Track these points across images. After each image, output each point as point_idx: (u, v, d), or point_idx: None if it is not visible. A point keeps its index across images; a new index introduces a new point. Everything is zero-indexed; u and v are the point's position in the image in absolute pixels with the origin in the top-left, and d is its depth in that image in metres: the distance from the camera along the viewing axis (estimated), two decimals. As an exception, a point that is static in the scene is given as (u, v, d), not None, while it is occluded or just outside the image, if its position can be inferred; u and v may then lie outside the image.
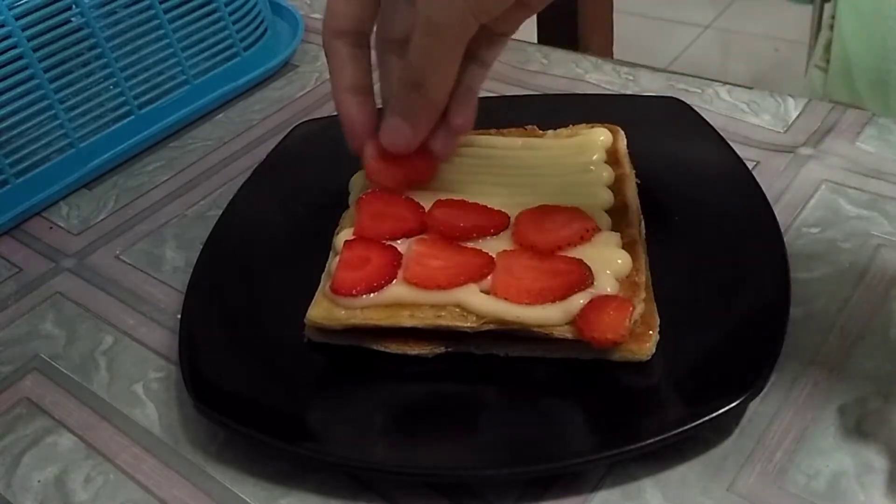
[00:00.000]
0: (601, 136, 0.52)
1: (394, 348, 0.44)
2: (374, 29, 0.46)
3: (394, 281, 0.43)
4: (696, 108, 0.57)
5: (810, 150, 0.56)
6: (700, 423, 0.38)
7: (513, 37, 0.69)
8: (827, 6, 0.99)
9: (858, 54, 0.83)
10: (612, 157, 0.51)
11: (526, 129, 0.54)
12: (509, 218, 0.46)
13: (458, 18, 0.40)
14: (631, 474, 0.39)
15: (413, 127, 0.45)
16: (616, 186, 0.49)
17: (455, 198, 0.47)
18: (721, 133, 0.54)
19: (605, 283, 0.42)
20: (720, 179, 0.51)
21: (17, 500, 0.42)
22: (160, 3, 0.63)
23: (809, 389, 0.41)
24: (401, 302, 0.43)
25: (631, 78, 0.65)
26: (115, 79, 0.62)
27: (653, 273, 0.45)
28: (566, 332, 0.41)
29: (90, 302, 0.53)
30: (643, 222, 0.48)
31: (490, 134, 0.54)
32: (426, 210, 0.47)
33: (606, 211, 0.47)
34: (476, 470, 0.39)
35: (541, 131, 0.54)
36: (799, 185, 0.53)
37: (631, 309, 0.41)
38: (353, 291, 0.43)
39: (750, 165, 0.52)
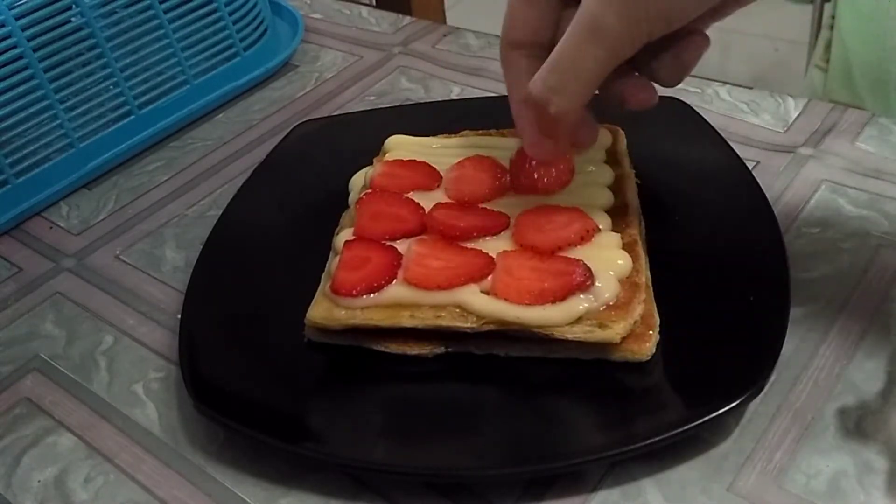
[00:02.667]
0: (601, 136, 0.52)
1: (394, 348, 0.44)
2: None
3: (394, 281, 0.43)
4: (696, 108, 0.56)
5: (810, 150, 0.56)
6: (700, 423, 0.38)
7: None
8: (827, 6, 0.99)
9: (858, 54, 0.83)
10: (612, 157, 0.51)
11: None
12: (509, 218, 0.46)
13: (630, 32, 0.36)
14: (631, 474, 0.39)
15: (553, 142, 0.43)
16: (616, 186, 0.49)
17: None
18: (721, 133, 0.54)
19: (606, 284, 0.42)
20: (720, 179, 0.51)
21: (17, 500, 0.42)
22: (160, 3, 0.63)
23: (809, 389, 0.41)
24: (401, 302, 0.43)
25: (631, 78, 0.65)
26: (115, 79, 0.62)
27: (653, 273, 0.45)
28: (566, 333, 0.41)
29: (90, 302, 0.53)
30: (643, 222, 0.48)
31: (490, 134, 0.54)
32: (426, 211, 0.47)
33: (606, 211, 0.47)
34: (476, 470, 0.39)
35: (541, 131, 0.54)
36: (799, 185, 0.53)
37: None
38: (353, 292, 0.43)
39: (750, 165, 0.52)
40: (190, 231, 0.57)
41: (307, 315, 0.44)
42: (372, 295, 0.43)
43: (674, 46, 0.40)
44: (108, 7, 0.61)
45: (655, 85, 0.42)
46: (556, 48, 0.38)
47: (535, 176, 0.47)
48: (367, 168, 0.52)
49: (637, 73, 0.41)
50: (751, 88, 0.62)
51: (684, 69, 0.41)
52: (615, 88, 0.41)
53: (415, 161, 0.51)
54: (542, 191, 0.47)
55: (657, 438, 0.38)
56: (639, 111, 0.42)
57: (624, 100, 0.41)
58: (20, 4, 0.56)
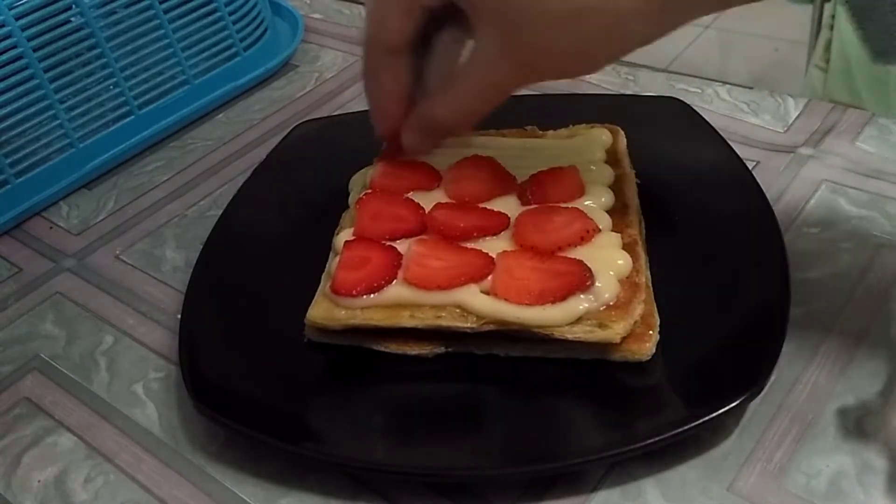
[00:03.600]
0: (601, 136, 0.52)
1: (394, 348, 0.44)
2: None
3: (394, 281, 0.43)
4: (696, 108, 0.56)
5: (810, 150, 0.56)
6: (700, 423, 0.38)
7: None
8: (827, 6, 0.99)
9: (858, 54, 0.83)
10: (612, 157, 0.51)
11: (526, 130, 0.54)
12: (509, 218, 0.46)
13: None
14: (631, 474, 0.39)
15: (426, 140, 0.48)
16: (616, 186, 0.49)
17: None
18: (721, 133, 0.54)
19: (606, 284, 0.42)
20: (720, 179, 0.51)
21: (17, 500, 0.42)
22: (160, 3, 0.63)
23: (809, 389, 0.41)
24: (401, 302, 0.43)
25: (631, 78, 0.65)
26: (115, 79, 0.62)
27: (653, 273, 0.45)
28: (566, 333, 0.41)
29: (90, 302, 0.53)
30: (643, 222, 0.48)
31: (490, 134, 0.54)
32: (426, 211, 0.47)
33: (606, 211, 0.47)
34: (476, 470, 0.39)
35: (541, 131, 0.54)
36: (799, 185, 0.53)
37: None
38: (354, 292, 0.43)
39: (750, 165, 0.52)
40: (190, 231, 0.57)
41: (307, 315, 0.44)
42: (372, 295, 0.43)
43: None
44: (108, 7, 0.61)
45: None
46: (458, 85, 0.43)
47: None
48: (367, 168, 0.52)
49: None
50: (751, 88, 0.62)
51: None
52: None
53: (415, 161, 0.51)
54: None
55: (657, 438, 0.38)
56: None
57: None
58: (20, 4, 0.56)
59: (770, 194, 0.49)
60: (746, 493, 0.38)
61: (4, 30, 0.56)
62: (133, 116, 0.64)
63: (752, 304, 0.43)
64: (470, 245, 0.45)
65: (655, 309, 0.43)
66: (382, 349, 0.44)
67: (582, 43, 0.39)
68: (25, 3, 0.57)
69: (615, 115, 0.54)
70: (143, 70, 0.64)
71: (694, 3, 0.38)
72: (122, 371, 0.48)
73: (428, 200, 0.47)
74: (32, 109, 0.58)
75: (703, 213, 0.49)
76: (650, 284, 0.44)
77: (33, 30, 0.57)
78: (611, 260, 0.43)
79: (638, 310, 0.41)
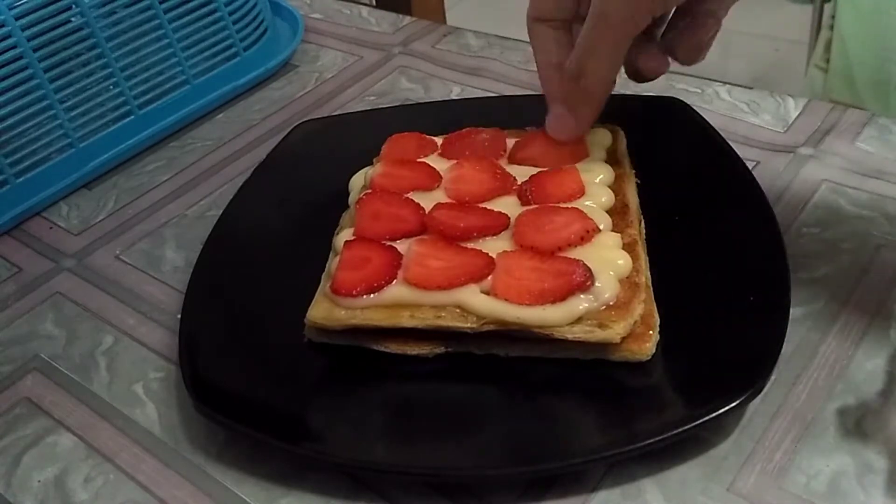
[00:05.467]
0: (601, 136, 0.52)
1: (394, 348, 0.44)
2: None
3: (394, 281, 0.43)
4: (696, 108, 0.56)
5: (810, 150, 0.56)
6: (700, 423, 0.38)
7: (511, 36, 0.70)
8: (827, 6, 0.99)
9: (858, 54, 0.83)
10: (612, 157, 0.51)
11: (526, 130, 0.54)
12: (509, 218, 0.46)
13: (631, 14, 0.42)
14: (631, 474, 0.39)
15: (576, 118, 0.48)
16: (616, 186, 0.49)
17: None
18: (721, 133, 0.54)
19: (606, 284, 0.42)
20: (720, 179, 0.51)
21: (17, 500, 0.42)
22: (160, 3, 0.63)
23: (809, 389, 0.41)
24: (401, 302, 0.43)
25: (631, 78, 0.65)
26: (115, 79, 0.62)
27: (653, 273, 0.45)
28: (566, 333, 0.41)
29: (90, 302, 0.53)
30: (643, 222, 0.48)
31: (491, 134, 0.54)
32: (426, 211, 0.47)
33: (606, 211, 0.47)
34: (476, 470, 0.39)
35: (541, 131, 0.54)
36: (799, 185, 0.53)
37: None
38: (354, 292, 0.43)
39: (750, 165, 0.52)
40: (190, 231, 0.57)
41: (307, 315, 0.44)
42: (372, 295, 0.43)
43: (688, 26, 0.46)
44: (108, 7, 0.61)
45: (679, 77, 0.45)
46: (580, 33, 0.44)
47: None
48: (367, 168, 0.52)
49: (655, 48, 0.47)
50: (751, 88, 0.62)
51: (698, 49, 0.46)
52: (632, 59, 0.47)
53: (415, 161, 0.51)
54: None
55: (657, 438, 0.38)
56: (651, 80, 0.48)
57: (637, 69, 0.47)
58: (20, 4, 0.56)
59: (770, 194, 0.49)
60: (746, 493, 0.38)
61: (4, 30, 0.56)
62: (133, 116, 0.64)
63: (752, 304, 0.43)
64: (470, 245, 0.45)
65: (655, 309, 0.43)
66: (382, 349, 0.44)
67: None
68: (25, 3, 0.57)
69: (615, 115, 0.54)
70: (143, 70, 0.64)
71: None
72: (122, 371, 0.48)
73: (428, 200, 0.47)
74: (32, 109, 0.58)
75: (703, 213, 0.49)
76: (650, 284, 0.44)
77: (33, 30, 0.57)
78: (611, 260, 0.43)
79: (638, 310, 0.41)
